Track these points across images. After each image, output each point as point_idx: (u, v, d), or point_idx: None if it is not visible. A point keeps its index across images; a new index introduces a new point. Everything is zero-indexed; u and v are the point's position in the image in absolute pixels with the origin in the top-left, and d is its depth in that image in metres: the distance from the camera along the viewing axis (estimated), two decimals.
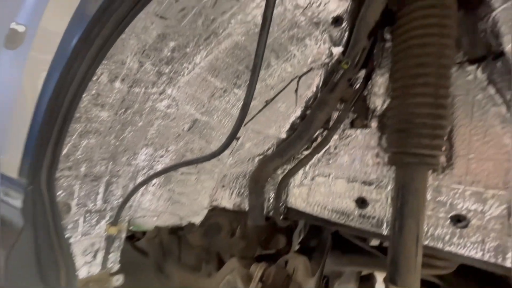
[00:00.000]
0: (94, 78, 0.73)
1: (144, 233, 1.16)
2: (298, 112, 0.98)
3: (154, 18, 0.72)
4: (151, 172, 1.07)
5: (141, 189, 1.06)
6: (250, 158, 1.09)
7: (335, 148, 0.96)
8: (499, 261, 0.68)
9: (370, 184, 0.88)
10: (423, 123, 0.66)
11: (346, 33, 0.85)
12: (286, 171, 1.02)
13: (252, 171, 1.08)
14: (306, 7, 0.79)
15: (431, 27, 0.67)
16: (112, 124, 0.89)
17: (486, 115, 0.71)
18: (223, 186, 1.16)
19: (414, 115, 0.68)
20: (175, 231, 1.22)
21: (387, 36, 0.86)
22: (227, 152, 1.08)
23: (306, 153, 0.99)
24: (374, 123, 0.88)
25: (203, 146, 1.11)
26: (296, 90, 0.97)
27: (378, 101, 0.87)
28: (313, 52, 0.90)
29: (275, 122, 1.02)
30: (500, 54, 0.65)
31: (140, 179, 1.05)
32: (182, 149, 1.09)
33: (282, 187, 1.02)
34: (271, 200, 1.07)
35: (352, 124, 0.92)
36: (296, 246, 1.14)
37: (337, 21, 0.83)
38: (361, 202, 0.89)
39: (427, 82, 0.67)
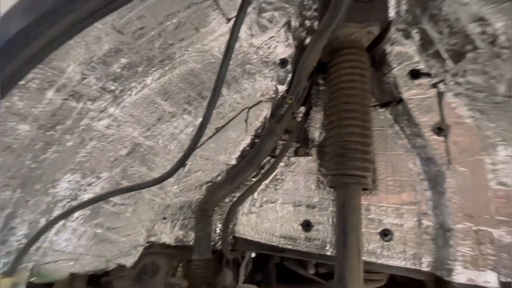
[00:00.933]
0: (22, 82, 0.62)
1: (49, 285, 0.89)
2: (248, 140, 1.03)
3: (110, 31, 0.69)
4: (74, 204, 0.89)
5: (57, 225, 0.85)
6: (198, 186, 1.04)
7: (282, 175, 1.02)
8: (417, 266, 0.81)
9: (313, 207, 0.95)
10: (355, 149, 0.80)
11: (290, 74, 0.99)
12: (235, 199, 1.01)
13: (199, 199, 1.02)
14: (259, 47, 0.90)
15: (355, 76, 0.86)
16: (31, 141, 0.73)
17: (396, 146, 0.91)
18: (164, 218, 1.04)
19: (348, 142, 0.81)
20: (97, 279, 0.99)
21: (321, 81, 1.04)
22: (171, 179, 1.01)
23: (255, 179, 1.02)
24: (314, 152, 1.00)
25: (143, 173, 1.01)
26: (246, 120, 1.03)
27: (316, 133, 1.01)
28: (262, 87, 1.01)
29: (226, 149, 1.03)
30: (400, 100, 0.87)
31: (57, 212, 0.86)
32: (118, 176, 0.97)
33: (231, 215, 1.00)
34: (218, 231, 1.02)
35: (296, 153, 1.02)
36: (242, 281, 1.07)
37: (283, 63, 0.96)
38: (307, 225, 0.95)
39: (355, 116, 0.82)
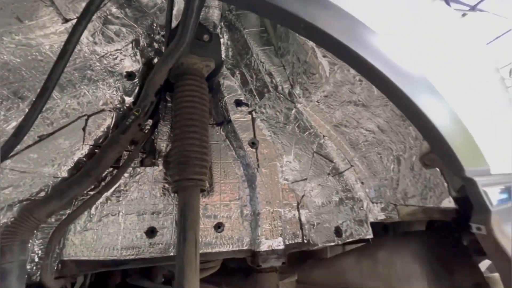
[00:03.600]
0: None
1: None
2: (85, 150, 0.95)
3: None
4: None
5: None
6: (5, 207, 0.82)
7: (126, 185, 1.02)
8: (240, 247, 1.06)
9: (158, 213, 1.02)
10: (195, 157, 0.96)
11: (137, 88, 1.04)
12: (64, 217, 0.89)
13: (7, 223, 0.81)
14: (104, 56, 0.90)
15: (195, 98, 1.04)
16: None
17: (227, 156, 1.17)
18: None
19: (188, 152, 0.96)
20: None
21: (168, 98, 1.16)
22: None
23: (92, 193, 0.95)
24: (160, 162, 1.08)
25: None
26: (84, 128, 0.95)
27: (163, 144, 1.10)
28: (105, 96, 0.98)
29: (54, 160, 0.89)
30: (229, 121, 1.15)
31: None
32: None
33: (57, 236, 0.86)
34: (36, 259, 0.85)
35: (142, 163, 1.05)
36: None
37: (130, 76, 1.00)
38: (151, 232, 0.99)
39: (195, 131, 1.00)
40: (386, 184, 0.85)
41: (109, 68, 0.94)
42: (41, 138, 0.90)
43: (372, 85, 0.69)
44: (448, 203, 0.63)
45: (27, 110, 0.73)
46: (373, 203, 0.91)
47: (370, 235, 0.91)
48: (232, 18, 1.07)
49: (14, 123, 0.83)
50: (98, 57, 0.89)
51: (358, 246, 1.13)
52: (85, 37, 0.85)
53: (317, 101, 0.90)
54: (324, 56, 0.73)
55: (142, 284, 1.16)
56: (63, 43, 0.75)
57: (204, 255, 1.02)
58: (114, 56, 0.93)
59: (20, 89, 0.82)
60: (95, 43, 0.88)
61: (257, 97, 1.12)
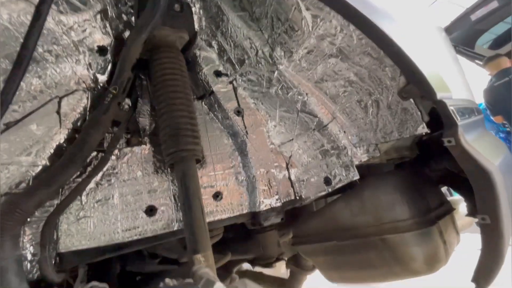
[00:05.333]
0: None
1: None
2: (64, 135, 0.87)
3: None
4: None
5: None
6: None
7: (114, 168, 0.97)
8: (241, 211, 1.10)
9: (154, 191, 1.00)
10: (186, 128, 0.95)
11: (110, 64, 0.97)
12: (52, 208, 0.82)
13: None
14: (71, 27, 0.82)
15: (176, 70, 1.02)
16: None
17: (213, 128, 1.17)
18: None
19: (180, 124, 0.95)
20: None
21: (142, 76, 1.11)
22: None
23: (79, 179, 0.89)
24: (147, 140, 1.04)
25: None
26: (58, 111, 0.87)
27: (146, 122, 1.06)
28: (76, 74, 0.90)
29: (29, 148, 0.81)
30: (212, 92, 1.15)
31: None
32: None
33: (49, 228, 0.80)
34: (29, 256, 0.78)
35: (128, 143, 1.01)
36: None
37: (101, 50, 0.93)
38: (150, 210, 0.97)
39: (183, 103, 0.98)
40: (367, 128, 0.96)
41: (78, 42, 0.86)
42: (8, 126, 0.80)
43: (352, 34, 0.77)
44: (422, 128, 0.76)
45: None
46: (356, 147, 1.02)
47: (357, 176, 1.03)
48: None
49: None
50: (65, 28, 0.81)
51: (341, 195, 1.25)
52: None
53: (299, 60, 0.96)
54: (307, 9, 0.78)
55: (143, 268, 1.14)
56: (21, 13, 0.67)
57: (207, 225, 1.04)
58: (83, 28, 0.85)
59: None
60: (61, 12, 0.79)
61: (237, 65, 1.13)
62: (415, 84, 0.67)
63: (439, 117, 0.73)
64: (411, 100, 0.74)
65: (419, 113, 0.75)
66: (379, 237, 1.00)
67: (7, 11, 0.69)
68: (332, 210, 1.18)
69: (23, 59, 0.57)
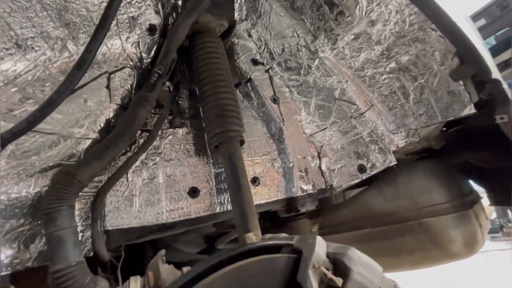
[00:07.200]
0: None
1: None
2: (112, 110, 0.86)
3: None
4: None
5: None
6: (34, 174, 0.69)
7: (158, 148, 0.95)
8: (277, 197, 1.10)
9: (197, 172, 0.98)
10: (232, 110, 0.96)
11: (155, 45, 0.98)
12: (102, 184, 0.80)
13: (40, 192, 0.69)
14: (130, 2, 0.82)
15: (219, 54, 1.03)
16: None
17: (247, 116, 1.18)
18: None
19: (225, 105, 0.95)
20: None
21: (179, 61, 1.11)
22: None
23: (125, 157, 0.87)
24: (187, 123, 1.03)
25: None
26: (107, 86, 0.86)
27: (186, 105, 1.06)
28: (126, 51, 0.90)
29: (81, 121, 0.79)
30: (249, 80, 1.16)
31: None
32: None
33: (100, 203, 0.77)
34: (80, 230, 0.74)
35: (172, 124, 1.00)
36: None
37: (151, 30, 0.93)
38: (193, 192, 0.96)
39: (227, 85, 0.99)
40: (406, 113, 1.00)
41: (132, 19, 0.86)
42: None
43: (406, 19, 0.82)
44: (469, 110, 0.80)
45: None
46: (393, 133, 1.06)
47: (394, 161, 1.05)
48: None
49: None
50: (125, 2, 0.81)
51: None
52: None
53: (343, 47, 1.00)
54: None
55: (175, 257, 1.10)
56: None
57: None
58: (140, 5, 0.86)
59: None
60: None
61: (275, 54, 1.16)
62: (471, 63, 0.72)
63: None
64: (460, 82, 0.79)
65: (467, 94, 0.79)
66: (417, 221, 1.02)
67: None
68: (364, 198, 1.20)
69: (108, 19, 0.56)
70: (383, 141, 1.08)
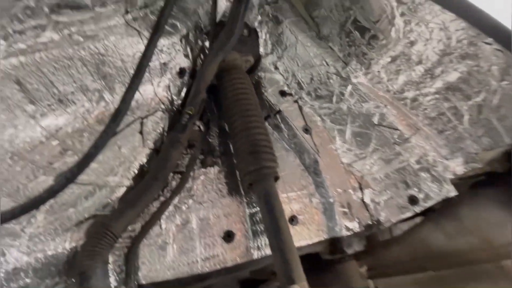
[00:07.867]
0: None
1: None
2: (145, 155, 0.85)
3: None
4: None
5: None
6: (70, 227, 0.68)
7: (190, 190, 0.92)
8: (320, 238, 0.98)
9: (230, 214, 0.92)
10: (265, 146, 0.91)
11: (185, 87, 0.99)
12: (136, 232, 0.76)
13: (75, 248, 0.66)
14: (161, 50, 0.85)
15: (247, 89, 1.02)
16: None
17: (278, 148, 1.11)
18: None
19: (258, 141, 0.91)
20: None
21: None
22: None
23: (157, 203, 0.84)
24: (219, 161, 1.00)
25: None
26: (141, 131, 0.86)
27: (216, 142, 1.03)
28: (157, 95, 0.91)
29: (114, 169, 0.78)
30: (278, 111, 1.12)
31: None
32: None
33: (134, 256, 0.73)
34: (112, 285, 0.70)
35: (203, 164, 0.97)
36: None
37: (181, 73, 0.95)
38: (228, 236, 0.89)
39: (258, 120, 0.96)
40: (461, 136, 0.88)
41: (163, 65, 0.89)
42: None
43: (451, 35, 0.74)
44: None
45: None
46: (447, 159, 0.93)
47: (454, 192, 0.92)
48: (270, 10, 1.10)
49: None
50: (157, 50, 0.84)
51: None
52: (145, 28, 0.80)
53: (378, 71, 0.94)
54: (401, 15, 0.77)
55: None
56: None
57: None
58: (170, 51, 0.88)
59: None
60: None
61: (303, 84, 1.12)
62: None
63: None
64: None
65: None
66: (494, 264, 0.85)
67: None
68: (419, 233, 1.04)
69: (142, 68, 0.57)
70: (436, 169, 0.95)
